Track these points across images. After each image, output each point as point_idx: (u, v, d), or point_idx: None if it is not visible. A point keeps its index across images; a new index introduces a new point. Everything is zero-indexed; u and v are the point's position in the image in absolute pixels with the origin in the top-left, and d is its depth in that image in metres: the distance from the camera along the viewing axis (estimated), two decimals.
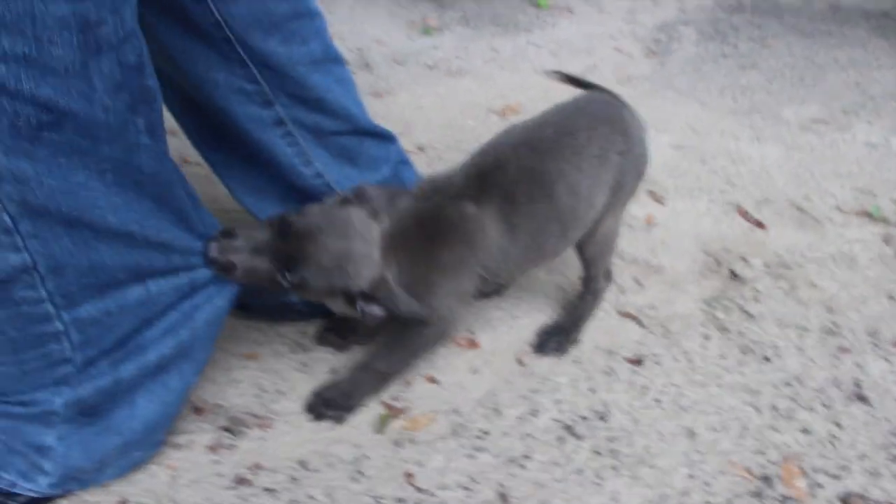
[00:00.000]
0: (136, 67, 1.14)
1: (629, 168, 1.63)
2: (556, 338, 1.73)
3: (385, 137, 1.77)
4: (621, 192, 1.64)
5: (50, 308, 1.21)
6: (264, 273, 1.40)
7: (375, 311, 1.44)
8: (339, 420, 1.58)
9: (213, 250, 1.37)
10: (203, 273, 1.41)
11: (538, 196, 1.53)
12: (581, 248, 1.71)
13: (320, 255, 1.39)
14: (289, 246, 1.39)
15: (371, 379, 1.60)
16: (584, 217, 1.59)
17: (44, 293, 1.19)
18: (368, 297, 1.43)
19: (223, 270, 1.39)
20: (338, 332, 1.74)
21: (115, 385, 1.33)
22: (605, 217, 1.65)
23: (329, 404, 1.59)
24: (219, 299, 1.46)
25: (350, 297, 1.44)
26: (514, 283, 1.87)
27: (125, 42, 1.10)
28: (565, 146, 1.55)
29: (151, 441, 1.47)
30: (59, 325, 1.23)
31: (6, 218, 1.10)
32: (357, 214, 1.46)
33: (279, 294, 1.72)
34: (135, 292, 1.30)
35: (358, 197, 1.49)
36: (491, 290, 1.75)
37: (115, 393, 1.34)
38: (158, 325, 1.36)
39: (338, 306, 1.51)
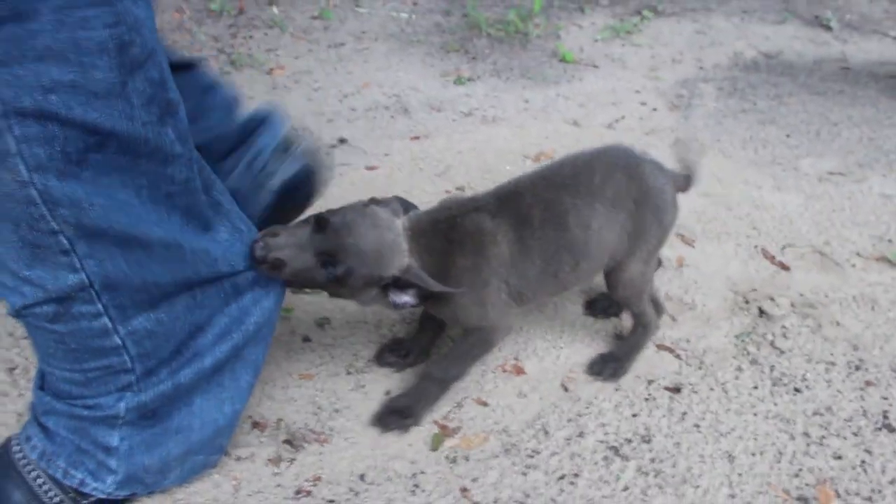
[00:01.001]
0: (160, 82, 1.22)
1: (648, 217, 1.71)
2: (611, 364, 1.83)
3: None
4: (642, 238, 1.73)
5: (107, 322, 1.29)
6: (309, 268, 1.49)
7: (407, 298, 1.57)
8: (404, 429, 1.67)
9: (260, 249, 1.44)
10: (246, 276, 1.49)
11: (550, 223, 1.64)
12: (611, 291, 1.82)
13: (359, 245, 1.49)
14: (329, 240, 1.48)
15: (432, 386, 1.69)
16: (596, 254, 1.69)
17: (100, 307, 1.27)
18: (401, 283, 1.54)
19: (273, 269, 1.46)
20: (395, 352, 1.83)
21: (175, 390, 1.42)
22: (629, 262, 1.75)
23: (399, 413, 1.67)
24: (266, 301, 1.54)
25: (384, 287, 1.55)
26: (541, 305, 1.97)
27: (149, 59, 1.18)
28: (580, 184, 1.67)
29: (213, 445, 1.53)
30: (117, 340, 1.31)
31: (63, 240, 1.18)
32: (382, 212, 1.57)
33: None
34: (183, 301, 1.38)
35: (377, 201, 1.60)
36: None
37: (174, 397, 1.42)
38: (210, 330, 1.44)
39: (371, 299, 1.59)
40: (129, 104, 1.15)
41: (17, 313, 1.29)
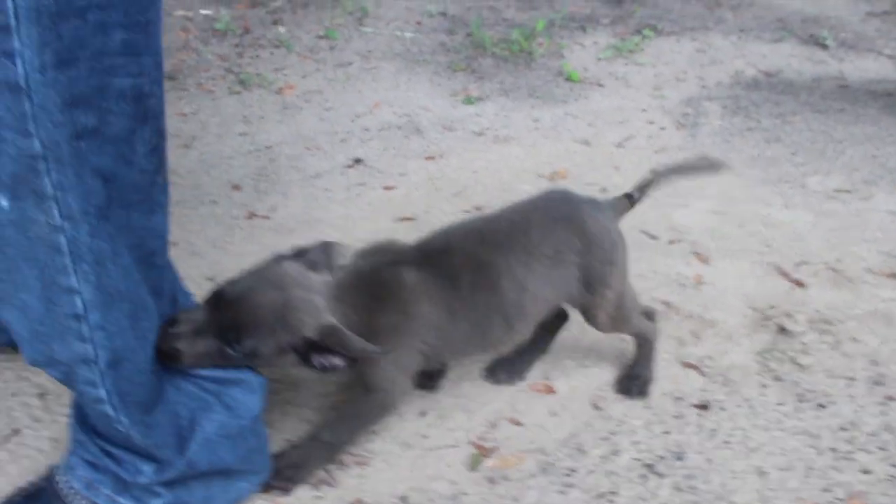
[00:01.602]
0: (162, 134, 1.23)
1: (596, 265, 1.66)
2: (636, 382, 1.85)
3: None
4: (601, 283, 1.68)
5: (109, 410, 1.27)
6: (212, 353, 1.36)
7: (333, 361, 1.40)
8: (287, 491, 1.57)
9: (160, 343, 1.31)
10: None
11: (482, 286, 1.57)
12: (597, 329, 1.79)
13: (258, 314, 1.35)
14: (226, 316, 1.35)
15: (320, 450, 1.60)
16: (533, 312, 1.64)
17: (103, 394, 1.25)
18: (320, 346, 1.38)
19: (170, 359, 1.34)
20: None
21: (189, 466, 1.40)
22: (599, 306, 1.71)
23: (278, 474, 1.57)
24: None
25: (303, 353, 1.40)
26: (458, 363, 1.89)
27: (161, 112, 1.20)
28: (516, 242, 1.60)
29: (255, 476, 1.54)
30: (121, 428, 1.30)
31: (79, 303, 1.16)
32: (292, 267, 1.44)
33: None
34: (181, 382, 1.38)
35: (294, 253, 1.50)
36: (436, 367, 1.78)
37: (195, 466, 1.41)
38: (201, 397, 1.42)
39: (294, 367, 1.44)
40: (133, 151, 1.16)
41: (39, 365, 1.28)
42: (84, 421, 1.43)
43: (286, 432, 1.70)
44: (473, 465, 1.67)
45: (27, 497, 1.45)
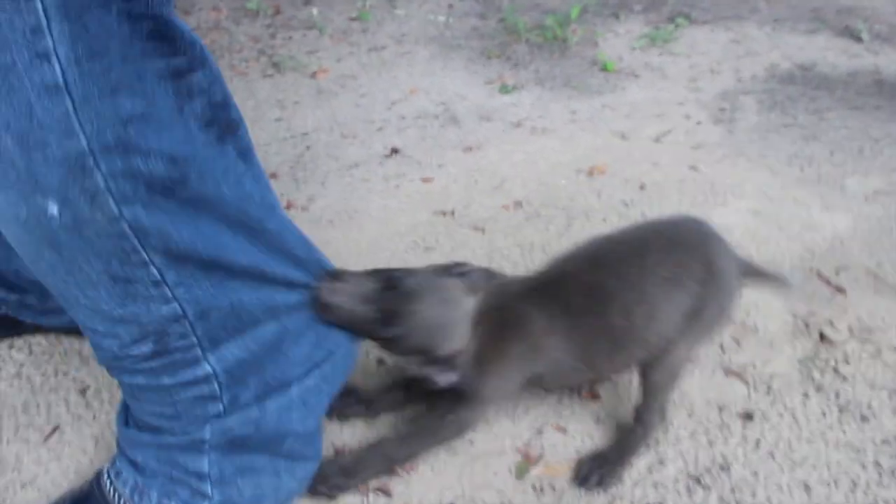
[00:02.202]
0: (222, 104, 1.22)
1: (710, 299, 1.60)
2: (600, 470, 1.66)
3: None
4: (698, 321, 1.62)
5: (199, 353, 1.31)
6: (365, 321, 1.46)
7: (444, 380, 1.52)
8: (331, 497, 1.58)
9: (323, 292, 1.43)
10: None
11: (590, 310, 1.57)
12: (645, 373, 1.69)
13: (421, 316, 1.45)
14: (394, 302, 1.45)
15: (376, 460, 1.61)
16: (641, 341, 1.60)
17: (194, 339, 1.29)
18: (446, 365, 1.51)
19: (327, 311, 1.45)
20: (353, 399, 1.80)
21: (262, 416, 1.43)
22: (678, 345, 1.64)
23: (325, 480, 1.58)
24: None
25: (430, 360, 1.51)
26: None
27: (214, 84, 1.19)
28: (631, 266, 1.58)
29: (303, 473, 1.55)
30: (207, 368, 1.33)
31: (154, 271, 1.19)
32: (458, 286, 1.53)
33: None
34: (272, 329, 1.39)
35: (460, 271, 1.57)
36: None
37: (261, 425, 1.43)
38: (299, 360, 1.45)
39: (411, 363, 1.56)
40: (187, 128, 1.16)
41: (115, 358, 1.30)
42: (132, 422, 1.44)
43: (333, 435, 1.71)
44: (520, 473, 1.67)
45: (74, 502, 1.46)
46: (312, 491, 1.59)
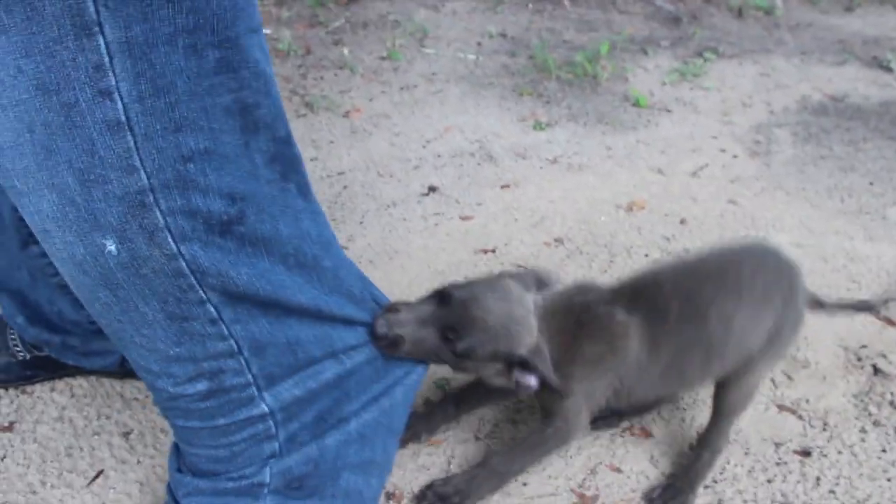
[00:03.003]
0: (285, 140, 1.22)
1: (789, 319, 1.63)
2: (672, 501, 1.65)
3: None
4: (778, 341, 1.63)
5: (255, 392, 1.29)
6: (431, 344, 1.44)
7: (531, 381, 1.48)
8: None
9: (381, 326, 1.41)
10: None
11: (689, 315, 1.55)
12: (721, 393, 1.69)
13: (485, 318, 1.42)
14: (453, 314, 1.43)
15: (488, 477, 1.61)
16: (733, 353, 1.59)
17: (250, 377, 1.28)
18: (526, 364, 1.46)
19: (391, 345, 1.43)
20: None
21: (321, 455, 1.40)
22: (758, 364, 1.64)
23: (444, 499, 1.59)
24: (416, 367, 1.53)
25: (509, 365, 1.48)
26: (644, 409, 1.86)
27: (277, 119, 1.19)
28: (727, 275, 1.59)
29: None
30: (264, 408, 1.31)
31: (211, 309, 1.18)
32: (513, 286, 1.51)
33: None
34: (330, 367, 1.37)
35: (510, 274, 1.58)
36: (621, 409, 1.76)
37: (319, 463, 1.41)
38: (358, 397, 1.43)
39: (494, 377, 1.52)
40: (252, 163, 1.15)
41: (170, 398, 1.29)
42: (185, 468, 1.42)
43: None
44: None
45: None
46: None
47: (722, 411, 1.69)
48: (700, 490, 1.68)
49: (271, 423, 1.33)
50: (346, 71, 3.56)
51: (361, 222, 2.53)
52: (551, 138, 3.09)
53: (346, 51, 3.68)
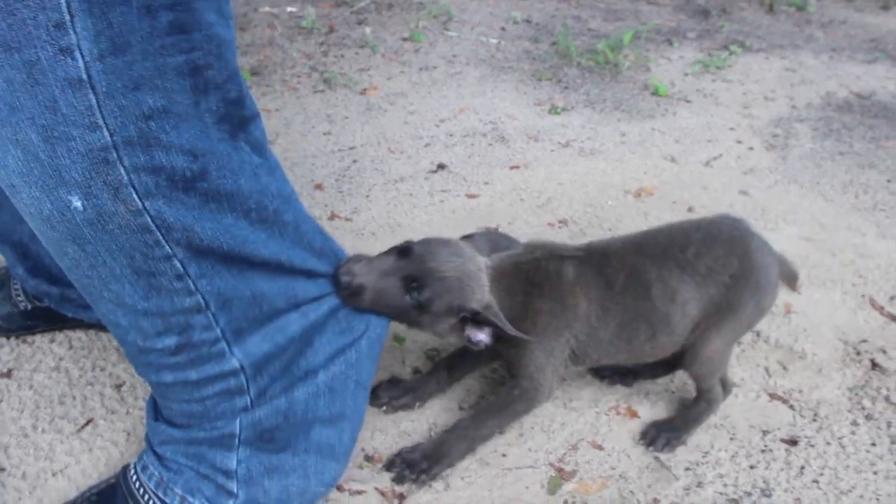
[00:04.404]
0: (236, 101, 1.23)
1: (745, 294, 1.63)
2: (666, 434, 1.74)
3: None
4: (732, 315, 1.65)
5: (224, 347, 1.31)
6: (392, 295, 1.50)
7: (482, 336, 1.55)
8: (419, 484, 1.61)
9: (344, 275, 1.45)
10: None
11: (633, 288, 1.61)
12: (685, 366, 1.74)
13: (442, 271, 1.50)
14: (413, 266, 1.50)
15: (457, 442, 1.64)
16: (677, 328, 1.64)
17: (218, 332, 1.29)
18: (479, 320, 1.53)
19: (354, 294, 1.47)
20: (390, 391, 1.80)
21: (290, 407, 1.42)
22: (712, 337, 1.67)
23: (412, 466, 1.61)
24: (377, 319, 1.56)
25: (462, 320, 1.54)
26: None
27: (229, 80, 1.20)
28: (670, 256, 1.62)
29: (330, 474, 1.53)
30: (235, 363, 1.33)
31: (177, 264, 1.20)
32: (465, 245, 1.59)
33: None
34: (294, 319, 1.39)
35: (464, 236, 1.64)
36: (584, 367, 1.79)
37: (289, 416, 1.43)
38: (322, 348, 1.45)
39: (448, 331, 1.58)
40: (203, 123, 1.17)
41: (140, 352, 1.31)
42: (161, 417, 1.44)
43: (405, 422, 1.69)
44: (552, 488, 1.63)
45: (100, 494, 1.47)
46: (400, 479, 1.61)
47: (695, 381, 1.77)
48: (693, 432, 1.76)
49: (242, 378, 1.35)
50: (367, 50, 3.57)
51: (368, 196, 2.54)
52: (566, 122, 3.08)
53: (368, 30, 3.69)
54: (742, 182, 2.76)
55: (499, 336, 1.55)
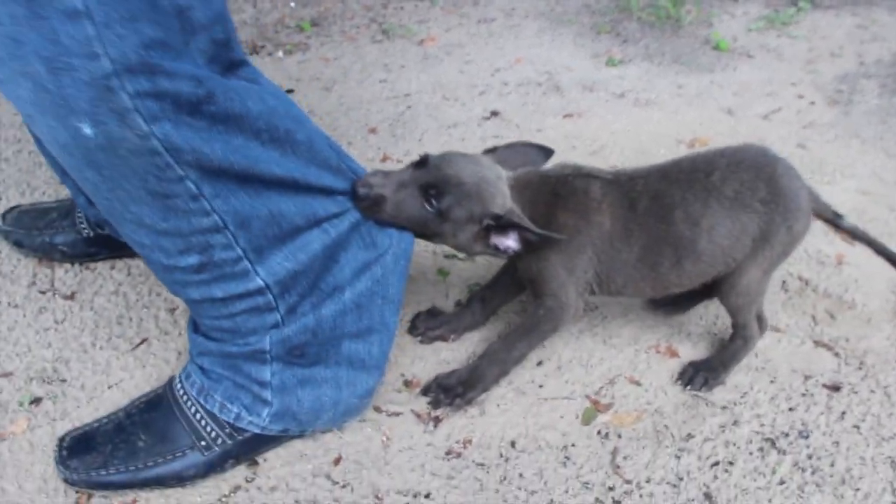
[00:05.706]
0: (224, 43, 1.26)
1: (776, 220, 1.61)
2: (704, 374, 1.74)
3: None
4: (767, 244, 1.63)
5: (248, 265, 1.34)
6: (411, 205, 1.50)
7: (509, 243, 1.55)
8: (454, 408, 1.66)
9: (362, 187, 1.46)
10: None
11: (655, 213, 1.60)
12: (721, 297, 1.72)
13: (461, 177, 1.50)
14: (430, 175, 1.51)
15: (489, 366, 1.67)
16: (706, 255, 1.61)
17: (239, 252, 1.33)
18: (502, 224, 1.53)
19: (373, 205, 1.48)
20: (428, 322, 1.85)
21: (318, 324, 1.46)
22: (748, 268, 1.65)
23: (447, 391, 1.65)
24: (402, 233, 1.56)
25: (486, 230, 1.54)
26: (631, 296, 1.83)
27: (215, 23, 1.22)
28: (695, 180, 1.60)
29: (364, 388, 1.58)
30: (259, 282, 1.37)
31: (191, 185, 1.23)
32: (483, 157, 1.61)
33: (47, 233, 1.92)
34: (316, 236, 1.41)
35: (487, 150, 1.67)
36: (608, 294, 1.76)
37: (317, 332, 1.47)
38: (347, 264, 1.47)
39: (473, 241, 1.57)
40: (195, 61, 1.19)
41: (165, 270, 1.36)
42: (200, 330, 1.50)
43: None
44: (587, 419, 1.65)
45: (149, 402, 1.55)
46: (436, 403, 1.65)
47: (731, 314, 1.75)
48: (731, 371, 1.77)
49: (269, 296, 1.39)
50: (427, 3, 3.57)
51: (420, 140, 2.56)
52: (623, 74, 3.04)
53: None
54: (800, 136, 2.70)
55: (527, 243, 1.55)
